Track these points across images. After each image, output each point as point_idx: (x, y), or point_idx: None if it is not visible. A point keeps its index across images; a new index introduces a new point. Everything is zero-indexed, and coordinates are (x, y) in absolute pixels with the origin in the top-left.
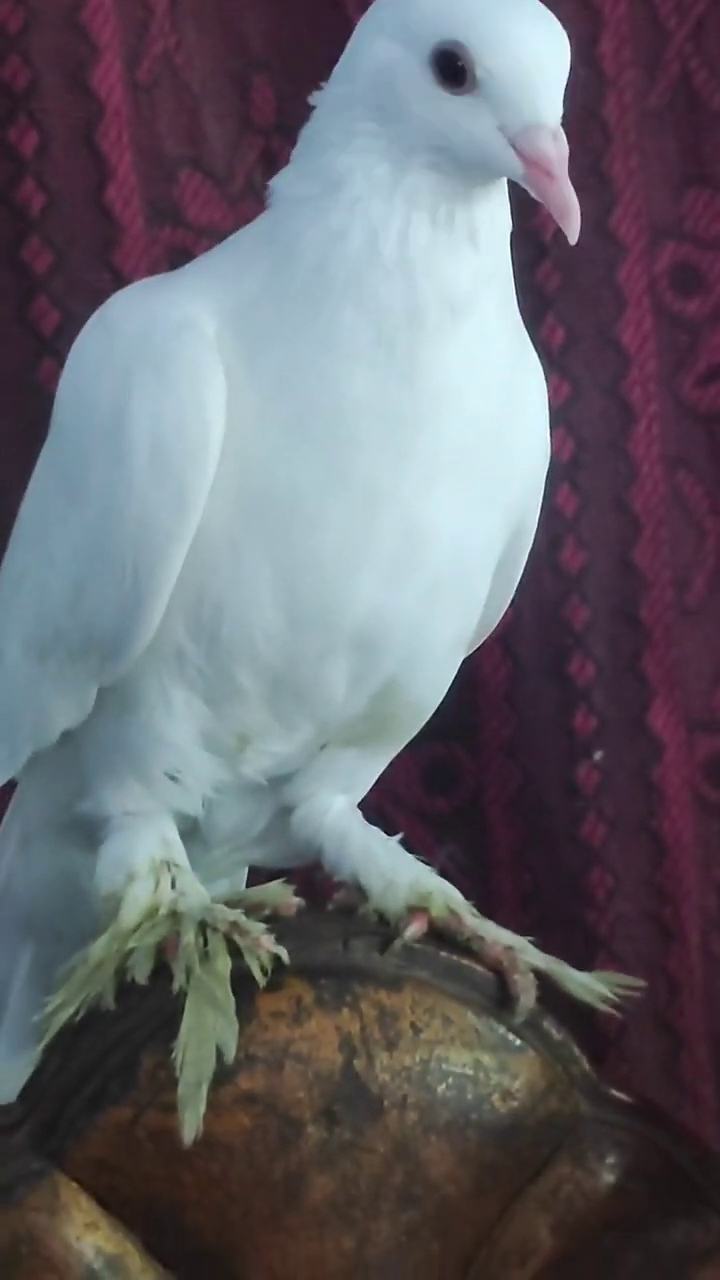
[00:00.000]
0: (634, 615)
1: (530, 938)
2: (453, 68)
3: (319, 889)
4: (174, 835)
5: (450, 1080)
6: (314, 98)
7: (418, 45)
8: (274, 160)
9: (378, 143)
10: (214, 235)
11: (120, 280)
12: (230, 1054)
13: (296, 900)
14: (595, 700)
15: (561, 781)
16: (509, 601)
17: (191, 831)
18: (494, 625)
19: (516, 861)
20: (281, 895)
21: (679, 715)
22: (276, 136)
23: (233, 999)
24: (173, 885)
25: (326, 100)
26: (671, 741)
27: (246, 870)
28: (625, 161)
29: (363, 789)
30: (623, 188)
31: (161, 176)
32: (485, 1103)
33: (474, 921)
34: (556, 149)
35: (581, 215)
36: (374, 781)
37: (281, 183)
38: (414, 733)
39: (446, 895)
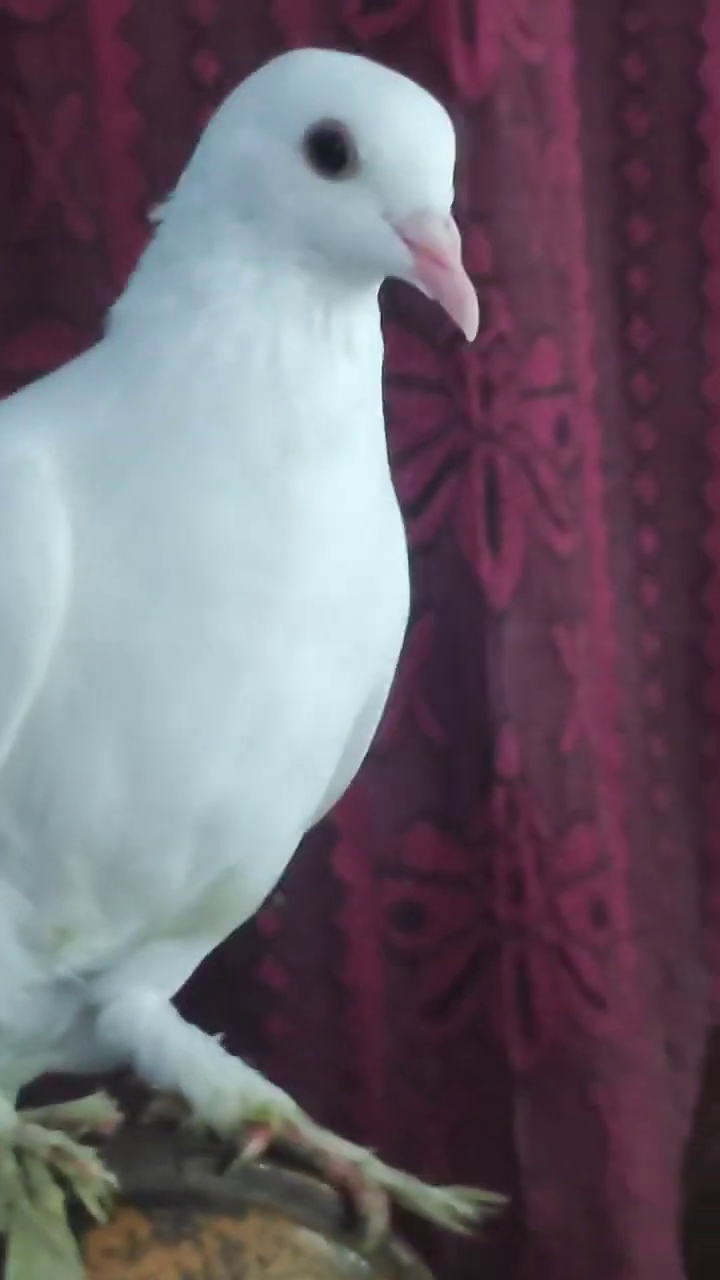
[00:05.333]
0: None
1: (371, 1149)
2: (330, 151)
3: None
4: None
5: None
6: (156, 213)
7: (288, 129)
8: None
9: (242, 246)
10: None
11: None
12: None
13: (116, 1115)
14: None
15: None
16: (351, 779)
17: None
18: (331, 804)
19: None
20: (102, 1110)
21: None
22: None
23: (73, 1240)
24: None
25: (174, 211)
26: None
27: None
28: None
29: (177, 984)
30: None
31: None
32: None
33: (313, 1134)
34: (449, 236)
35: None
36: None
37: (124, 306)
38: (241, 923)
39: (281, 1105)
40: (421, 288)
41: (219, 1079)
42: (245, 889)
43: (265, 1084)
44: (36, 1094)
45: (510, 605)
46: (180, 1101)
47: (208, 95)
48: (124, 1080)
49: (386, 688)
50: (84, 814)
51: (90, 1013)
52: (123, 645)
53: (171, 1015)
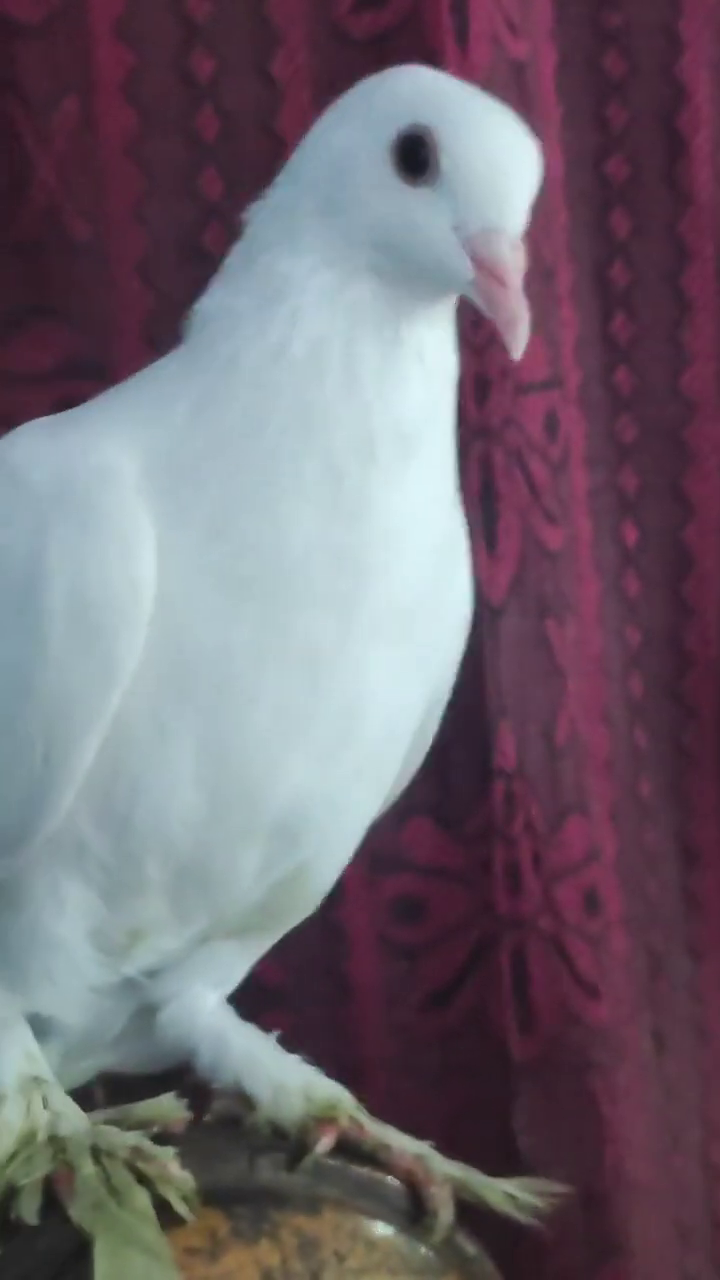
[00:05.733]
0: None
1: (430, 1141)
2: (414, 156)
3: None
4: (35, 1046)
5: None
6: (248, 211)
7: (381, 129)
8: None
9: (322, 241)
10: None
11: None
12: None
13: (186, 1114)
14: None
15: None
16: (411, 777)
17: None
18: (391, 803)
19: None
20: (173, 1110)
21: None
22: None
23: (165, 1239)
24: (44, 1105)
25: (264, 209)
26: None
27: None
28: None
29: (235, 982)
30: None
31: None
32: None
33: (376, 1129)
34: (514, 258)
35: None
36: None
37: (210, 302)
38: (299, 921)
39: (345, 1101)
40: (477, 302)
41: (281, 1076)
42: (309, 887)
43: (326, 1080)
44: None
45: (506, 600)
46: (243, 1099)
47: (204, 94)
48: (185, 1078)
49: (448, 690)
50: (164, 817)
51: (146, 1012)
52: (205, 647)
53: (229, 1013)
